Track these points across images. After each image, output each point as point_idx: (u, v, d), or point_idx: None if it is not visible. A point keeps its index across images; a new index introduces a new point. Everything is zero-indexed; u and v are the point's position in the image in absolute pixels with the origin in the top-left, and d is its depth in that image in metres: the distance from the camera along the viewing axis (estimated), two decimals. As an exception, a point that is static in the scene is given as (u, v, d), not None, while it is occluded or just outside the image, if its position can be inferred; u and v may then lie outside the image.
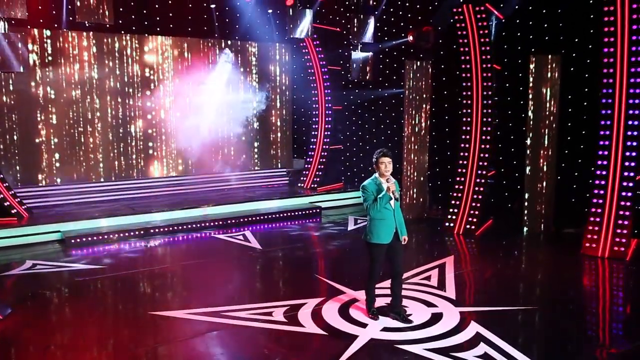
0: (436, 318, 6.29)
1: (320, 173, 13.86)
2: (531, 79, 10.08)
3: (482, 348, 5.51)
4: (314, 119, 14.11)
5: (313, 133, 14.13)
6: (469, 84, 10.65)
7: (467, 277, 8.03)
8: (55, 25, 11.69)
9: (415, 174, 11.70)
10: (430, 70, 11.66)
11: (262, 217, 11.64)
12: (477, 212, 10.42)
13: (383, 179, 5.93)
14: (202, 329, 6.12)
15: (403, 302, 6.38)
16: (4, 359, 5.54)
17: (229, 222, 11.16)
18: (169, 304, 7.10)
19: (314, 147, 14.04)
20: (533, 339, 5.97)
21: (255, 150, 14.72)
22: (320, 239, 10.62)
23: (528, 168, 10.22)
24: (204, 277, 8.25)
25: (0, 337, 6.01)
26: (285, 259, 9.39)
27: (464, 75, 10.67)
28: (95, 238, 9.91)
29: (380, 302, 6.46)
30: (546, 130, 10.08)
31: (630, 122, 8.82)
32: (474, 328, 5.99)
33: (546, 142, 10.11)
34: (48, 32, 11.74)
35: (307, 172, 14.03)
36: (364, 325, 6.08)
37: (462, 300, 6.92)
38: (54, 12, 11.42)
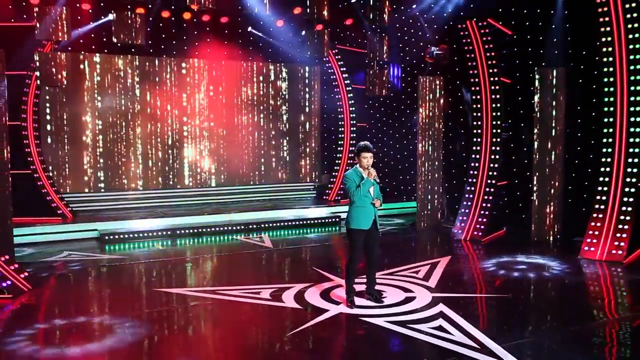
0: (408, 300, 6.73)
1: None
2: (537, 91, 10.38)
3: (439, 322, 5.91)
4: (340, 135, 14.84)
5: (339, 149, 14.84)
6: (478, 97, 11.08)
7: (455, 272, 8.34)
8: (106, 51, 13.20)
9: (430, 186, 12.03)
10: (445, 85, 12.13)
11: (283, 224, 12.35)
12: (485, 220, 10.68)
13: (364, 170, 6.42)
14: (194, 301, 6.88)
15: (383, 288, 6.82)
16: (30, 317, 6.47)
17: (250, 226, 11.96)
18: (174, 283, 7.92)
19: (340, 162, 14.73)
20: (492, 318, 6.29)
21: (286, 164, 15.55)
22: (330, 242, 11.21)
23: (537, 178, 10.41)
24: (210, 266, 9.16)
25: (28, 302, 7.03)
26: (290, 255, 10.03)
27: (473, 88, 11.12)
28: (128, 236, 10.97)
29: (357, 288, 6.91)
30: (554, 140, 10.27)
31: (632, 130, 8.98)
32: (439, 308, 6.39)
33: (554, 152, 10.31)
34: (96, 55, 13.22)
35: (332, 185, 14.69)
36: (338, 304, 6.61)
37: (440, 288, 7.29)
38: (104, 38, 12.87)
